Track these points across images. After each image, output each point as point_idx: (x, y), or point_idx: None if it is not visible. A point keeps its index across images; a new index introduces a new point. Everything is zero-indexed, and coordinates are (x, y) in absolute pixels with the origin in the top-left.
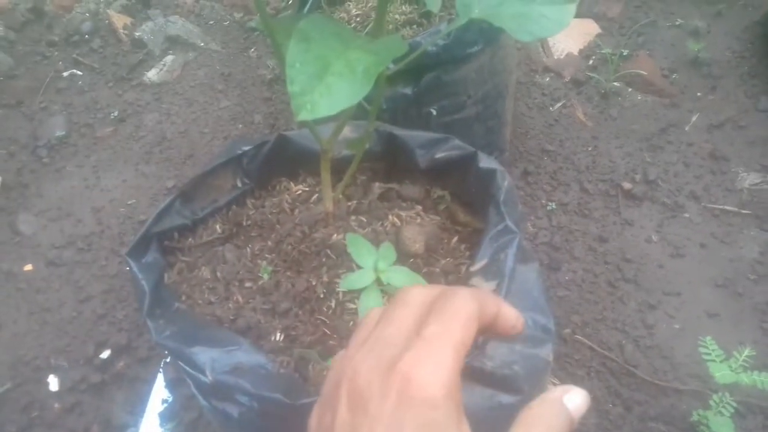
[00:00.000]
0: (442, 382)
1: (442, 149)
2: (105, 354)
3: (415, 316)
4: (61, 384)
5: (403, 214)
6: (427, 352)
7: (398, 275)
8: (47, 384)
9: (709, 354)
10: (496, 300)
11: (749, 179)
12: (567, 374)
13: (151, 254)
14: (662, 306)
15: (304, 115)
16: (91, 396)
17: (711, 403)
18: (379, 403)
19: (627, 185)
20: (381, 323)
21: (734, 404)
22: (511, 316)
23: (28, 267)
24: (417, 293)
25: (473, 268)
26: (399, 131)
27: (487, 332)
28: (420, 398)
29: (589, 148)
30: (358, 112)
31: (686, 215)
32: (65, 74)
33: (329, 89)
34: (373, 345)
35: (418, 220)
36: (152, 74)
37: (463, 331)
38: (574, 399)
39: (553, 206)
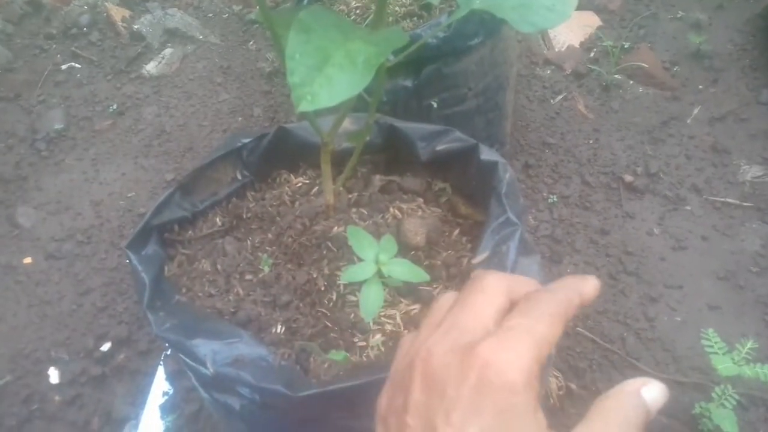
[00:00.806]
0: (523, 369)
1: (443, 141)
2: (105, 347)
3: (493, 305)
4: (62, 376)
5: (404, 206)
6: (509, 340)
7: (399, 268)
8: (47, 376)
9: (712, 346)
10: (577, 288)
11: (751, 172)
12: (569, 367)
13: (150, 246)
14: (664, 299)
15: (304, 107)
16: (92, 388)
17: (713, 395)
18: (456, 386)
19: (628, 178)
20: (456, 308)
21: (736, 397)
22: (591, 292)
23: (28, 260)
24: (494, 280)
25: (475, 261)
26: (400, 123)
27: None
28: (499, 383)
29: (591, 141)
30: (358, 105)
31: (688, 208)
32: (64, 67)
33: (329, 80)
34: (448, 329)
35: (420, 213)
36: (151, 67)
37: (548, 329)
38: (652, 391)
39: (555, 199)
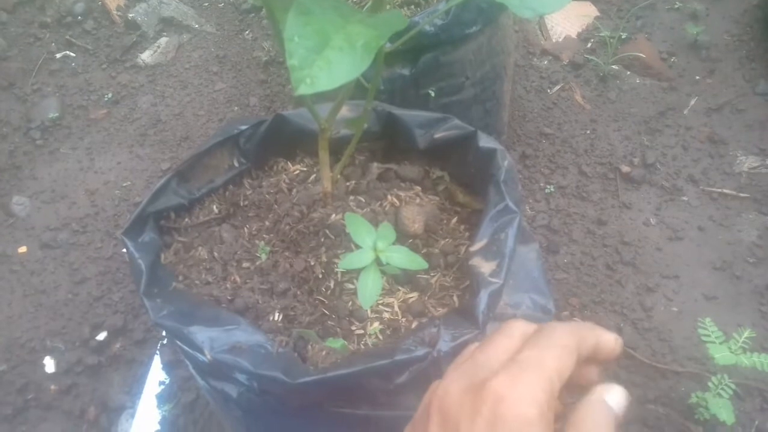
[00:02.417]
0: (535, 402)
1: (442, 129)
2: (101, 336)
3: (515, 346)
4: (57, 366)
5: (402, 194)
6: (521, 374)
7: (397, 255)
8: (43, 366)
9: (709, 336)
10: (593, 330)
11: (747, 162)
12: None
13: (147, 234)
14: (660, 289)
15: (303, 89)
16: (88, 378)
17: (710, 385)
18: (470, 421)
19: (625, 168)
20: (479, 349)
21: (733, 386)
22: (609, 341)
23: (23, 249)
24: (520, 325)
25: (473, 248)
26: (398, 111)
27: (590, 361)
28: (512, 416)
29: (588, 131)
30: (355, 92)
31: (684, 198)
32: (58, 56)
33: (329, 63)
34: (467, 368)
35: (417, 201)
36: (146, 56)
37: (558, 361)
38: (615, 396)
39: (552, 189)
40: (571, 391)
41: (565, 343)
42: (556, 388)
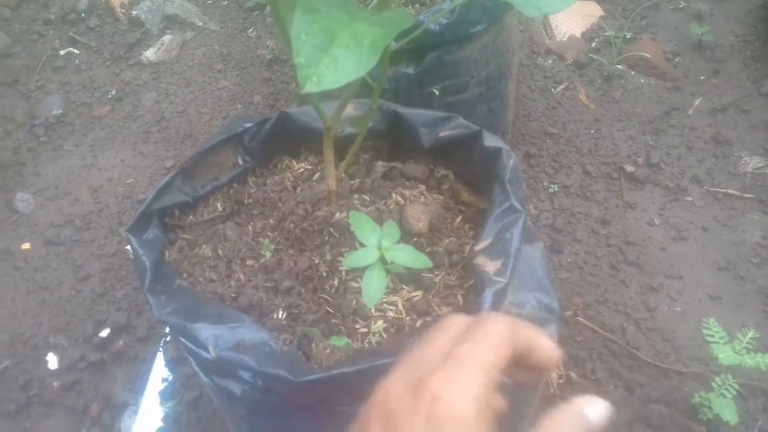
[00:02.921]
0: (471, 399)
1: (447, 128)
2: (104, 333)
3: (451, 341)
4: (60, 362)
5: (406, 192)
6: (457, 370)
7: (402, 253)
8: (46, 362)
9: (713, 336)
10: (530, 329)
11: (752, 163)
12: (569, 356)
13: (151, 231)
14: (664, 289)
15: (310, 87)
16: (91, 374)
17: (713, 385)
18: (408, 421)
19: (629, 168)
20: (418, 347)
21: (736, 386)
22: (547, 347)
23: (26, 246)
24: (457, 320)
25: (477, 247)
26: (403, 109)
27: (523, 362)
28: (448, 416)
29: (592, 131)
30: (360, 91)
31: (689, 199)
32: (62, 53)
33: (335, 61)
34: (407, 367)
35: (422, 199)
36: (150, 53)
37: (493, 353)
38: (596, 411)
39: (556, 189)
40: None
41: (499, 334)
42: (493, 380)
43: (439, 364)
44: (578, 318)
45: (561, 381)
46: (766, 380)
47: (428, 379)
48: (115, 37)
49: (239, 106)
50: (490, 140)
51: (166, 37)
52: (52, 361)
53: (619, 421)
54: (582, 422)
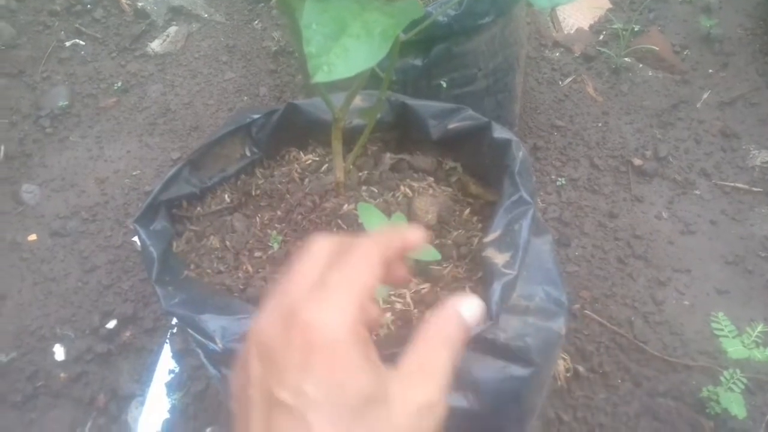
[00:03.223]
0: (343, 323)
1: (455, 120)
2: (111, 324)
3: (319, 267)
4: (67, 353)
5: (414, 185)
6: (327, 298)
7: None
8: (53, 353)
9: (722, 330)
10: (398, 233)
11: (760, 157)
12: (576, 349)
13: (159, 222)
14: (672, 282)
15: (320, 77)
16: (97, 366)
17: (722, 379)
18: (284, 354)
19: (637, 161)
20: (287, 278)
21: (744, 380)
22: (413, 235)
23: (32, 237)
24: (321, 244)
25: (486, 239)
26: (411, 101)
27: (398, 259)
28: (322, 341)
29: (599, 124)
30: (368, 82)
31: (697, 192)
32: (68, 44)
33: (346, 51)
34: (278, 300)
35: (430, 192)
36: (155, 45)
37: (364, 276)
38: (469, 308)
39: (563, 182)
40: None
41: (369, 257)
42: (365, 302)
43: (310, 293)
44: (586, 311)
45: (569, 374)
46: None
47: (300, 309)
48: (121, 28)
49: (245, 98)
50: (500, 132)
51: (172, 29)
52: (59, 352)
53: (626, 415)
54: (460, 320)
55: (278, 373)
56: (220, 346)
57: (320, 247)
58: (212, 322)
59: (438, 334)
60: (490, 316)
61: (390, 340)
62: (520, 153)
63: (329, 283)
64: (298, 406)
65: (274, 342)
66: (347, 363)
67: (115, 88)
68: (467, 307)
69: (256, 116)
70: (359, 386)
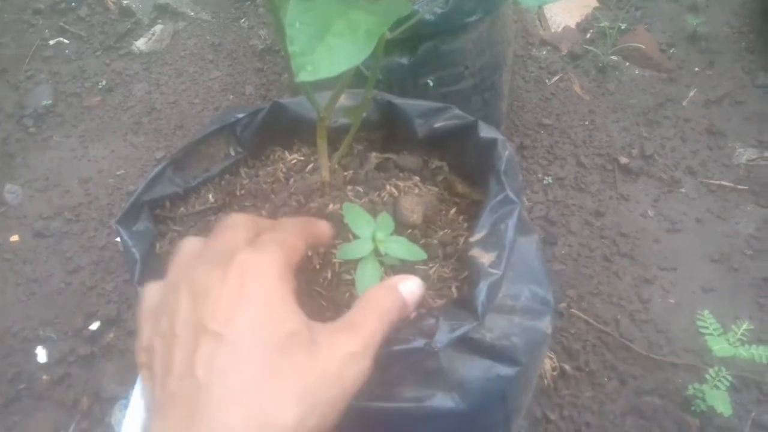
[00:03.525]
0: (276, 266)
1: (442, 118)
2: (94, 326)
3: (244, 233)
4: (50, 355)
5: (400, 184)
6: (263, 248)
7: (396, 245)
8: (35, 355)
9: (707, 327)
10: (315, 223)
11: (746, 155)
12: (562, 348)
13: (142, 223)
14: (658, 281)
15: (304, 76)
16: (80, 368)
17: (707, 377)
18: (220, 288)
19: (624, 160)
20: (210, 243)
21: (730, 378)
22: (325, 228)
23: (15, 238)
24: (239, 217)
25: (472, 239)
26: (397, 100)
27: (313, 245)
28: (257, 277)
29: (586, 122)
30: (354, 81)
31: (682, 190)
32: (51, 42)
33: (330, 50)
34: (207, 256)
35: (416, 191)
36: (141, 43)
37: (294, 241)
38: (408, 286)
39: (550, 180)
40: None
41: (296, 231)
42: (293, 261)
43: (246, 246)
44: (572, 310)
45: (555, 373)
46: (759, 372)
47: (238, 254)
48: (106, 26)
49: (231, 96)
50: (486, 131)
51: (157, 27)
52: (41, 354)
53: (612, 413)
54: (397, 295)
55: (211, 306)
56: None
57: (243, 219)
58: None
59: (371, 302)
60: (476, 315)
61: None
62: (506, 152)
63: (263, 239)
64: (228, 335)
65: (210, 281)
66: (278, 300)
67: (100, 87)
68: (405, 285)
69: (241, 115)
70: (288, 322)
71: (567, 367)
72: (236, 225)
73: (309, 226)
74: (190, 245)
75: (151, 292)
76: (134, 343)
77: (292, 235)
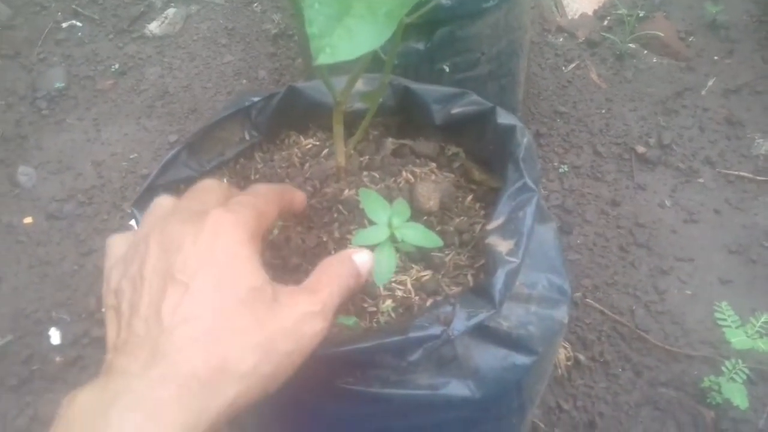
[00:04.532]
0: (246, 227)
1: (459, 104)
2: None
3: (216, 195)
4: (63, 337)
5: (417, 170)
6: (235, 209)
7: (413, 232)
8: (48, 337)
9: (725, 319)
10: (290, 190)
11: (765, 145)
12: (577, 338)
13: None
14: (674, 271)
15: (323, 59)
16: (93, 350)
17: (723, 369)
18: (192, 240)
19: (641, 149)
20: (182, 202)
21: (746, 371)
22: (300, 197)
23: (28, 220)
24: (212, 181)
25: (489, 227)
26: (414, 85)
27: (286, 213)
28: (227, 235)
29: (603, 111)
30: (370, 65)
31: (700, 180)
32: (64, 25)
33: (349, 32)
34: (179, 212)
35: (433, 177)
36: (154, 27)
37: (266, 206)
38: (361, 257)
39: (566, 169)
40: None
41: (272, 194)
42: (263, 225)
43: (218, 205)
44: (587, 300)
45: (569, 363)
46: None
47: (211, 212)
48: (119, 9)
49: (244, 81)
50: (504, 117)
51: (170, 11)
52: (55, 336)
53: (626, 404)
54: (351, 265)
55: (182, 257)
56: None
57: (211, 183)
58: None
59: (328, 269)
60: (494, 304)
61: (390, 327)
62: (525, 139)
63: (236, 200)
64: (194, 286)
65: (182, 234)
66: (245, 258)
67: (113, 70)
68: (358, 256)
69: (255, 99)
70: (252, 279)
71: (581, 356)
72: (209, 188)
73: (282, 193)
74: (163, 202)
75: (118, 242)
76: (101, 288)
77: (264, 200)
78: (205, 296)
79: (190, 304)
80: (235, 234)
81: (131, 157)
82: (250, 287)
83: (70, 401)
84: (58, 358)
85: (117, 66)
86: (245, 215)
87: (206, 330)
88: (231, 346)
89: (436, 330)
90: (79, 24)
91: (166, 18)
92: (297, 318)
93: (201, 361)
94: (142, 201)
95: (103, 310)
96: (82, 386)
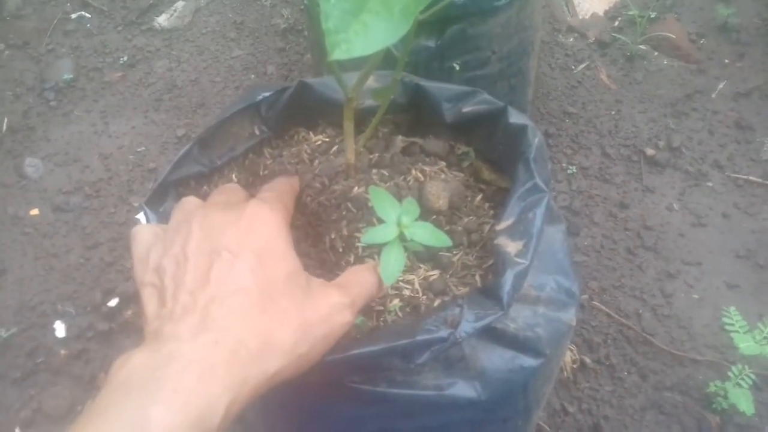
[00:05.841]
0: (278, 217)
1: (470, 103)
2: (113, 302)
3: (241, 194)
4: (68, 330)
5: (426, 169)
6: (266, 200)
7: (422, 231)
8: (53, 330)
9: (733, 324)
10: (292, 178)
11: None
12: (583, 340)
13: (169, 203)
14: (681, 275)
15: (338, 54)
16: (98, 344)
17: (730, 374)
18: (234, 225)
19: (650, 151)
20: (212, 199)
21: (753, 376)
22: (296, 181)
23: (35, 212)
24: (228, 185)
25: (499, 227)
26: (425, 83)
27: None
28: (264, 222)
29: (612, 112)
30: (380, 62)
31: (709, 184)
32: (73, 16)
33: (365, 27)
34: (215, 205)
35: (442, 176)
36: (162, 20)
37: (288, 199)
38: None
39: (574, 170)
40: None
41: (288, 189)
42: (288, 213)
43: (248, 201)
44: (594, 302)
45: (575, 366)
46: None
47: (249, 203)
48: (128, 1)
49: (252, 76)
50: (516, 117)
51: (179, 3)
52: (60, 329)
53: (632, 408)
54: (376, 275)
55: (226, 237)
56: None
57: (229, 186)
58: None
59: (357, 273)
60: (502, 305)
61: (397, 327)
62: (536, 139)
63: (266, 196)
64: (240, 260)
65: (223, 220)
66: (282, 245)
67: (121, 62)
68: (381, 270)
69: (266, 94)
70: (290, 264)
71: (587, 359)
72: (233, 188)
73: (293, 186)
74: (191, 200)
75: (145, 231)
76: (134, 272)
77: (286, 195)
78: (253, 271)
79: (239, 274)
80: (273, 221)
81: (138, 150)
82: (289, 271)
83: (123, 363)
84: (62, 351)
85: (125, 58)
86: (277, 207)
87: (254, 303)
88: (277, 322)
89: (443, 333)
90: (88, 15)
91: (175, 11)
92: (330, 307)
93: (249, 331)
94: (154, 199)
95: (140, 287)
96: (130, 350)
